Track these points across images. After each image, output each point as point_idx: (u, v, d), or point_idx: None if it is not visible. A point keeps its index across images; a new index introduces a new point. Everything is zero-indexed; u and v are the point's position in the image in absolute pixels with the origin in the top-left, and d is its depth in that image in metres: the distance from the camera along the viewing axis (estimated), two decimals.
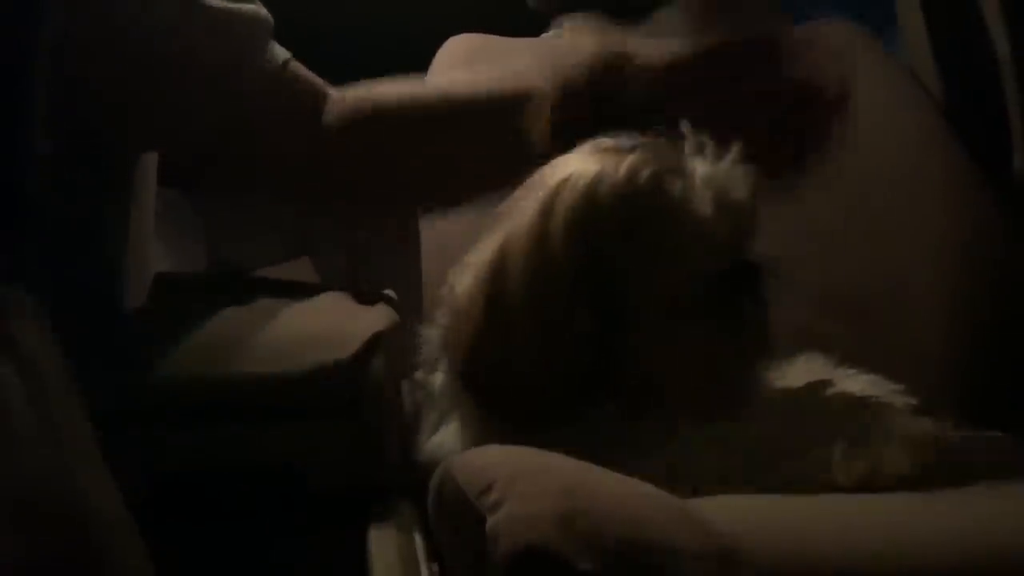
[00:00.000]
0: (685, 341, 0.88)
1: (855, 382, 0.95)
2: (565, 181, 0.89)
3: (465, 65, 1.43)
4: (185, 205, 1.47)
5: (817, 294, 0.95)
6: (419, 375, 0.98)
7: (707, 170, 0.89)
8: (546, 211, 0.88)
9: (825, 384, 0.93)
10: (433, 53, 1.46)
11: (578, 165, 0.90)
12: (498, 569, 0.71)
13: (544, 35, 1.57)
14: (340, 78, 1.15)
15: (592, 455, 0.81)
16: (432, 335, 0.96)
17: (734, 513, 0.77)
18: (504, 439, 0.85)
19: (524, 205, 0.91)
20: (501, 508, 0.73)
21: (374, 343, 1.00)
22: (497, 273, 0.89)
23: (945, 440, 0.89)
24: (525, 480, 0.76)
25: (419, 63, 1.44)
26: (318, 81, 1.13)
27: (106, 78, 1.02)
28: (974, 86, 1.44)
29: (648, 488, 0.78)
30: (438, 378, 0.95)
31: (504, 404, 0.89)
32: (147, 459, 0.96)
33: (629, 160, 0.89)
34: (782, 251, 0.94)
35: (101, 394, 0.91)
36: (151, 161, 1.20)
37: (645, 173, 0.88)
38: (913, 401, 0.93)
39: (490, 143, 1.07)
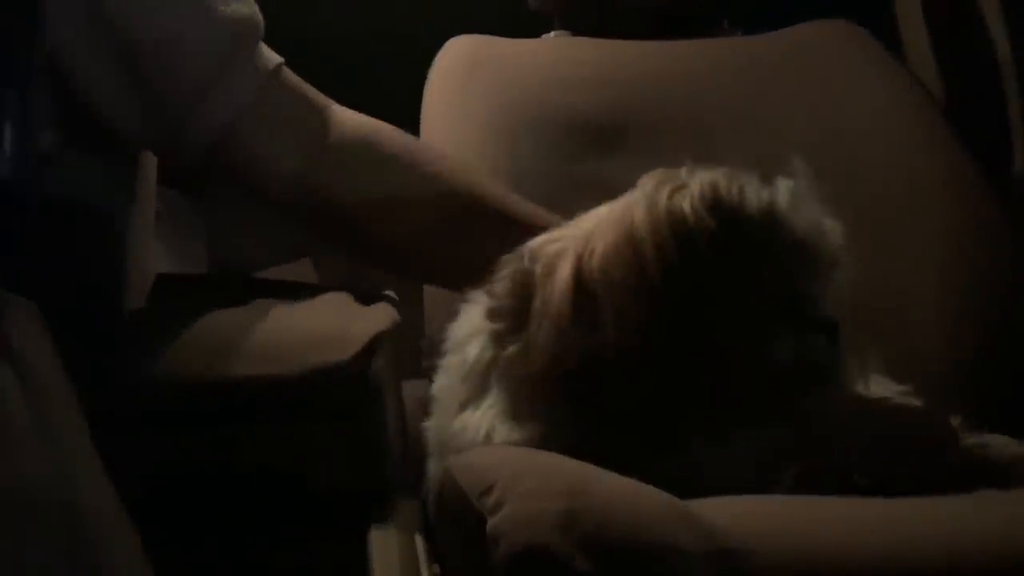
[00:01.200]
0: (758, 357, 0.87)
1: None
2: (655, 188, 0.89)
3: (466, 67, 1.43)
4: (185, 205, 1.48)
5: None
6: (452, 341, 0.96)
7: (794, 195, 0.89)
8: (633, 215, 0.88)
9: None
10: (433, 54, 1.46)
11: (662, 178, 0.90)
12: (499, 570, 0.71)
13: (545, 36, 1.57)
14: (341, 79, 1.15)
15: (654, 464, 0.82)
16: (474, 308, 0.95)
17: (736, 514, 0.77)
18: (560, 434, 0.86)
19: (616, 204, 0.91)
20: (502, 509, 0.73)
21: (375, 344, 1.00)
22: (585, 274, 0.88)
23: (963, 441, 0.89)
24: (526, 481, 0.76)
25: (419, 64, 1.44)
26: (314, 93, 1.11)
27: (94, 73, 1.01)
28: (974, 86, 1.44)
29: (649, 489, 0.78)
30: (473, 351, 0.94)
31: (580, 399, 0.88)
32: (147, 459, 0.96)
33: (716, 172, 0.89)
34: None
35: (101, 395, 0.91)
36: (151, 161, 1.19)
37: (733, 182, 0.88)
38: (919, 403, 0.93)
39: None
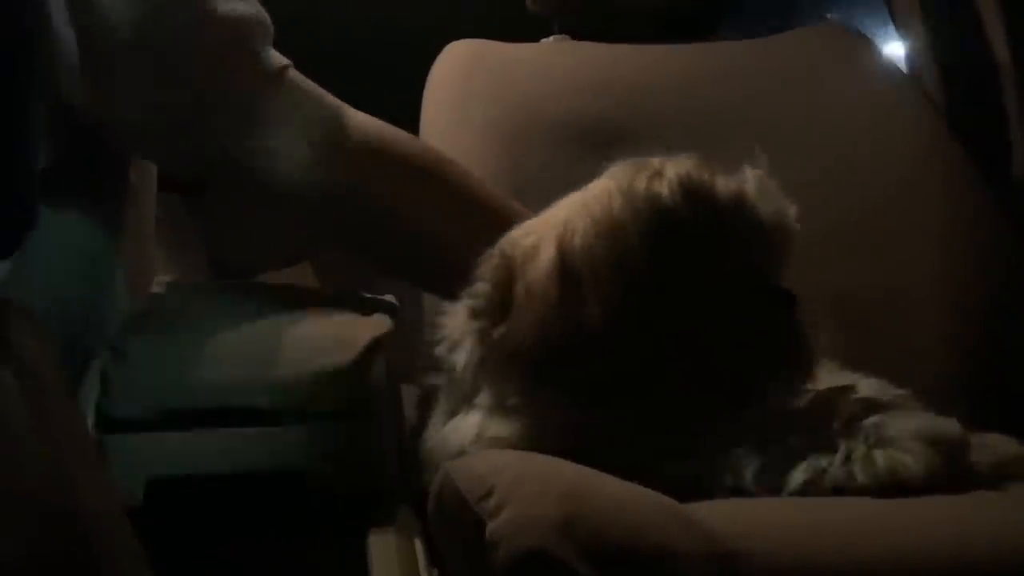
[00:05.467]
0: (730, 335, 0.90)
1: (866, 385, 0.95)
2: (633, 175, 0.92)
3: (466, 71, 1.43)
4: (185, 211, 1.48)
5: (816, 297, 0.95)
6: (438, 354, 0.97)
7: (759, 183, 0.94)
8: (611, 201, 0.92)
9: (848, 389, 0.93)
10: (433, 58, 1.46)
11: (637, 166, 0.94)
12: (499, 574, 0.71)
13: (544, 40, 1.57)
14: (341, 81, 1.15)
15: (637, 438, 0.85)
16: (456, 313, 0.96)
17: (735, 517, 0.77)
18: (550, 417, 0.88)
19: (588, 192, 0.95)
20: (502, 513, 0.73)
21: (375, 348, 1.00)
22: (569, 255, 0.90)
23: (967, 441, 0.89)
24: (526, 485, 0.76)
25: (419, 68, 1.44)
26: (327, 94, 1.10)
27: (94, 74, 1.00)
28: (974, 88, 1.44)
29: (649, 492, 0.78)
30: (461, 357, 0.95)
31: (567, 378, 0.90)
32: (150, 461, 0.96)
33: (687, 161, 0.93)
34: None
35: (105, 397, 0.91)
36: (151, 167, 1.19)
37: (704, 170, 0.92)
38: (919, 404, 0.93)
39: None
